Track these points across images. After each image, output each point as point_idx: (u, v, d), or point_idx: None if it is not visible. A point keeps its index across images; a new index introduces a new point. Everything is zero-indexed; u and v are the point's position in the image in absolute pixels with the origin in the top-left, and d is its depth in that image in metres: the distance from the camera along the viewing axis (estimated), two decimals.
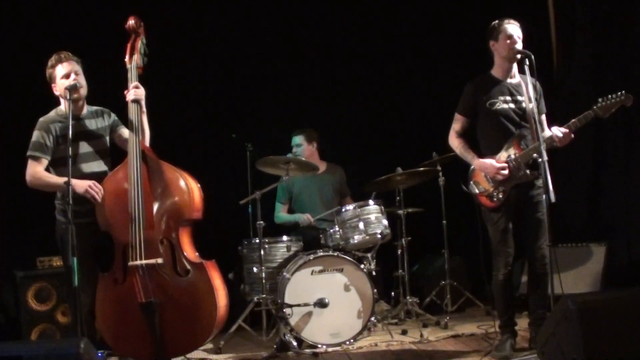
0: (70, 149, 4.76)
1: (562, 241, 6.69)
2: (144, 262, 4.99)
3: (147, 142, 5.23)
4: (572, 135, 5.05)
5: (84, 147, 5.16)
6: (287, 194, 7.16)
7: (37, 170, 5.01)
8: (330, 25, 7.86)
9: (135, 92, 5.17)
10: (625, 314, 4.05)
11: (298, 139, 7.13)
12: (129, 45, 5.30)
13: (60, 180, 4.78)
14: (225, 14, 7.61)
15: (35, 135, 5.06)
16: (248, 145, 6.82)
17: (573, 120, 5.02)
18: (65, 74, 5.06)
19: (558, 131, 5.02)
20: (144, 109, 5.21)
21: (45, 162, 5.04)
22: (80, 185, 4.91)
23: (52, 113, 5.18)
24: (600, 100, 4.96)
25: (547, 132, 5.17)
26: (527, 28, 5.28)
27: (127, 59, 5.27)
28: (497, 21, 5.25)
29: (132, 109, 5.16)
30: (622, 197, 6.91)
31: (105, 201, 5.02)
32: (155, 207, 5.11)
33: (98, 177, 5.12)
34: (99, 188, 4.97)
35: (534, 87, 5.10)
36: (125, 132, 5.33)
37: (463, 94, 5.38)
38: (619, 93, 4.91)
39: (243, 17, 7.67)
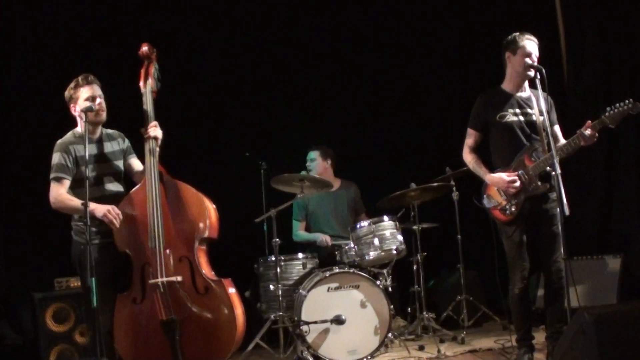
0: (87, 170, 4.81)
1: (577, 254, 6.68)
2: (164, 279, 5.04)
3: None
4: (597, 134, 4.99)
5: (101, 169, 5.19)
6: (304, 211, 7.18)
7: (60, 193, 5.03)
8: (344, 42, 7.92)
9: (153, 130, 5.23)
10: None
11: (313, 154, 7.17)
12: (142, 71, 5.38)
13: (79, 202, 4.82)
14: (238, 33, 7.68)
15: (56, 157, 5.08)
16: (262, 163, 6.85)
17: (588, 122, 4.97)
18: (90, 97, 5.08)
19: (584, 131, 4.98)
20: (158, 148, 5.24)
21: (67, 183, 5.06)
22: (99, 209, 4.94)
23: (69, 135, 5.21)
24: (608, 109, 4.90)
25: (563, 141, 5.18)
26: (537, 38, 5.28)
27: (141, 84, 5.35)
28: (517, 34, 5.22)
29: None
30: (637, 209, 6.90)
31: (124, 221, 5.05)
32: (174, 226, 5.16)
33: (115, 197, 5.16)
34: (117, 213, 4.98)
35: (545, 100, 5.11)
36: (135, 162, 5.39)
37: (473, 108, 5.40)
38: (627, 101, 4.83)
39: (257, 35, 7.73)
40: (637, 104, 4.82)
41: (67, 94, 5.16)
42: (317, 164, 7.15)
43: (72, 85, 5.15)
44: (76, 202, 4.92)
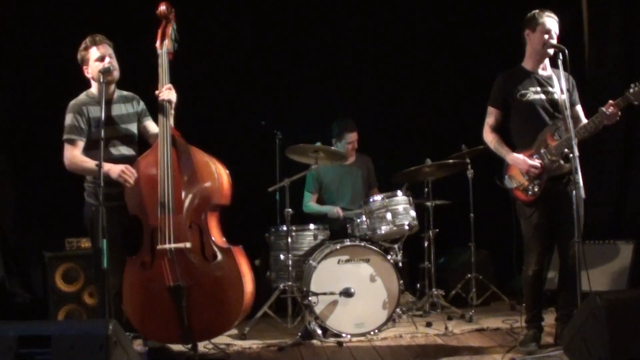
0: (102, 132, 4.79)
1: (590, 238, 6.63)
2: (172, 245, 5.03)
3: None
4: (619, 113, 4.91)
5: (114, 131, 5.17)
6: (317, 184, 7.14)
7: (75, 155, 5.02)
8: (363, 14, 7.86)
9: (167, 92, 5.18)
10: None
11: (353, 135, 7.05)
12: (160, 31, 5.31)
13: (93, 163, 4.77)
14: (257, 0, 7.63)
15: (69, 118, 5.06)
16: (277, 132, 6.82)
17: (610, 101, 4.89)
18: (99, 57, 5.07)
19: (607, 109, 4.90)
20: (172, 111, 5.21)
21: (81, 144, 5.04)
22: (114, 169, 4.92)
23: (83, 96, 5.18)
24: (632, 85, 4.82)
25: (584, 121, 5.12)
26: (559, 21, 5.20)
27: (158, 44, 5.28)
28: (537, 11, 5.14)
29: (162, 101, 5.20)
30: None
31: (135, 185, 5.04)
32: (185, 191, 5.14)
33: (127, 161, 5.12)
34: (132, 172, 4.97)
35: (567, 79, 5.03)
36: (150, 125, 5.37)
37: (494, 86, 5.33)
38: None
39: (277, 3, 7.66)
40: None
41: (79, 56, 5.16)
42: (355, 141, 7.10)
43: (82, 47, 5.14)
44: (90, 164, 4.90)
